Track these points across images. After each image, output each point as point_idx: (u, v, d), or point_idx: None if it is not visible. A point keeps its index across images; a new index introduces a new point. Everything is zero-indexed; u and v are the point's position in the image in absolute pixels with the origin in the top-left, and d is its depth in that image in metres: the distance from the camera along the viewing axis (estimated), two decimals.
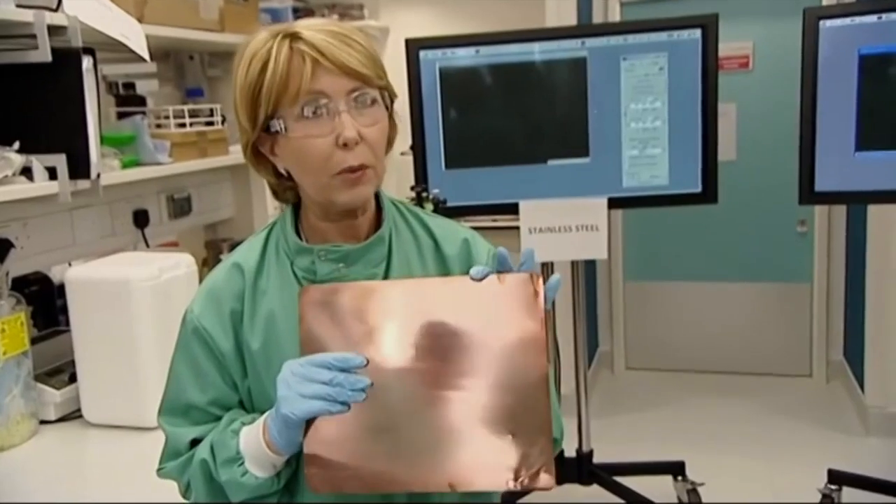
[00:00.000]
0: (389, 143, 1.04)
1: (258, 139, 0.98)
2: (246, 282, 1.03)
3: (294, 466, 0.98)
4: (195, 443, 1.02)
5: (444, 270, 1.06)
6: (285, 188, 1.04)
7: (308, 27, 0.94)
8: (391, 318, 0.92)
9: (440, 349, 0.91)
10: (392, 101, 1.01)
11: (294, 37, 0.93)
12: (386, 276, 1.03)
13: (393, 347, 0.92)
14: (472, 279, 0.91)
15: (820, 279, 3.94)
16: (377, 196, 1.06)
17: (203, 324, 1.02)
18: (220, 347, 1.01)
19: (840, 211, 3.85)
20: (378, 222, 1.05)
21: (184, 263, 1.68)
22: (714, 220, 3.89)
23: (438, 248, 1.07)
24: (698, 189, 2.53)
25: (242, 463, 0.95)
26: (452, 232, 1.09)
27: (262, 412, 1.00)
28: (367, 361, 0.89)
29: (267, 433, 0.93)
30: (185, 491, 1.03)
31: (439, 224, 1.10)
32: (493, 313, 0.91)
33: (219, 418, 1.02)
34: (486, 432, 0.91)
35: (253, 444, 0.95)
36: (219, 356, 1.02)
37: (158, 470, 1.05)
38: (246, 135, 0.99)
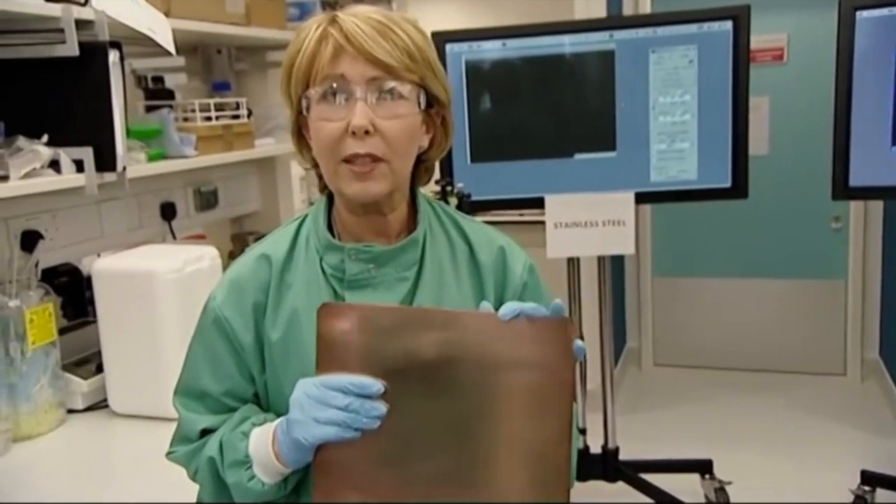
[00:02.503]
0: (433, 146, 1.01)
1: (299, 120, 0.98)
2: (273, 273, 1.01)
3: (302, 472, 0.96)
4: (206, 431, 1.01)
5: (478, 278, 1.03)
6: (319, 175, 1.02)
7: (352, 13, 0.93)
8: (413, 346, 0.87)
9: (461, 385, 0.87)
10: (434, 104, 0.97)
11: (332, 21, 0.93)
12: (417, 281, 1.00)
13: (411, 377, 0.87)
14: (501, 319, 0.86)
15: (855, 276, 3.86)
16: (413, 195, 1.03)
17: (224, 314, 1.00)
18: (240, 339, 1.00)
19: (877, 207, 3.76)
20: (412, 223, 1.02)
21: (208, 256, 1.69)
22: (746, 215, 3.83)
23: (473, 254, 1.04)
24: (728, 184, 2.49)
25: (250, 467, 0.94)
26: (488, 238, 1.06)
27: (276, 408, 1.00)
28: (386, 389, 0.86)
29: (276, 444, 0.92)
30: (194, 475, 1.03)
31: (475, 229, 1.07)
32: (522, 356, 0.86)
33: (232, 409, 1.01)
34: (501, 475, 0.87)
35: (262, 451, 0.93)
36: (238, 348, 1.00)
37: (168, 453, 1.05)
38: (291, 118, 0.99)
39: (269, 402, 1.02)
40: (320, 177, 1.02)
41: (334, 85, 0.92)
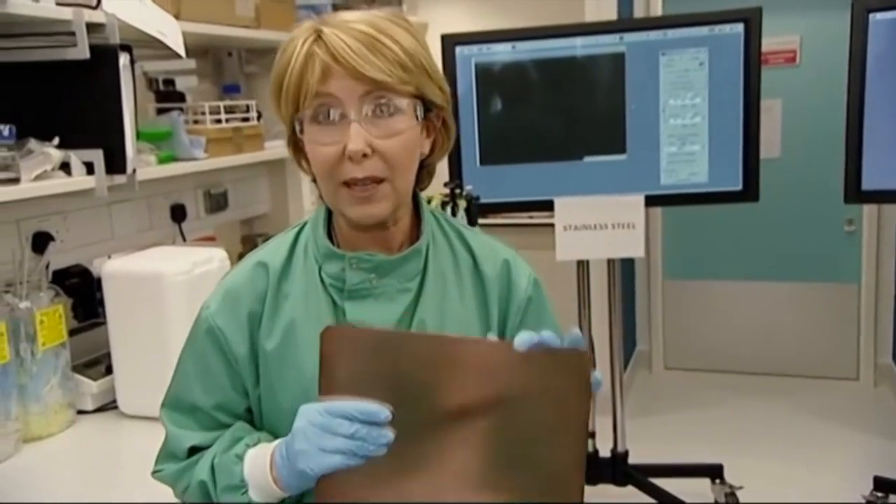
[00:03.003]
0: (435, 150, 0.98)
1: (295, 135, 0.94)
2: (270, 282, 0.97)
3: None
4: (194, 449, 0.97)
5: (482, 290, 1.00)
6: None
7: (338, 24, 0.87)
8: (421, 373, 0.83)
9: (472, 414, 0.83)
10: (432, 108, 0.93)
11: (318, 36, 0.87)
12: (419, 292, 0.97)
13: (420, 404, 0.84)
14: (516, 350, 0.81)
15: (868, 280, 3.82)
16: (416, 205, 1.00)
17: (218, 323, 0.97)
18: (234, 351, 0.96)
19: (890, 210, 3.73)
20: (415, 233, 1.00)
21: (217, 258, 1.70)
22: (757, 217, 3.81)
23: (477, 266, 1.01)
24: (739, 187, 2.48)
25: (246, 491, 0.90)
26: (493, 251, 1.03)
27: (270, 422, 0.97)
28: (393, 416, 0.82)
29: (275, 470, 0.88)
30: (182, 495, 0.99)
31: (480, 241, 1.04)
32: (536, 388, 0.82)
33: (223, 424, 0.98)
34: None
35: (258, 476, 0.90)
36: (231, 360, 0.97)
37: (154, 472, 1.02)
38: (287, 130, 0.96)
39: (262, 417, 0.99)
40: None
41: (326, 105, 0.87)
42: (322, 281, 0.96)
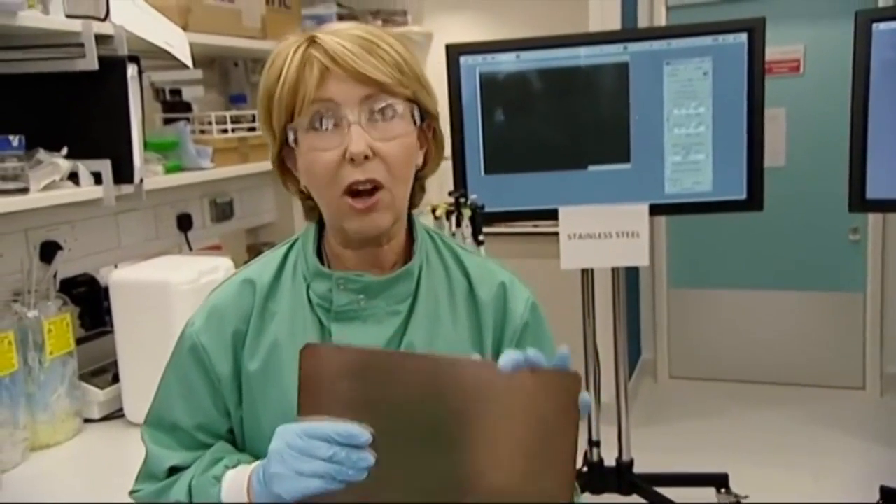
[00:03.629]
0: (427, 162, 0.96)
1: (282, 151, 0.92)
2: (256, 301, 0.94)
3: None
4: (174, 469, 0.95)
5: (476, 316, 0.96)
6: (310, 207, 0.96)
7: (331, 32, 0.86)
8: (403, 394, 0.80)
9: (454, 437, 0.80)
10: (426, 117, 0.92)
11: (312, 42, 0.86)
12: (410, 315, 0.93)
13: (400, 426, 0.80)
14: (500, 370, 0.78)
15: (874, 288, 3.82)
16: (410, 224, 0.97)
17: (202, 342, 0.94)
18: (217, 370, 0.93)
19: (895, 218, 3.73)
20: (408, 253, 0.96)
21: (223, 267, 1.71)
22: (762, 226, 3.81)
23: (472, 290, 0.97)
24: (743, 196, 2.48)
25: None
26: (489, 273, 0.99)
27: (252, 444, 0.95)
28: (373, 438, 0.78)
29: (252, 494, 0.85)
30: None
31: (477, 264, 1.00)
32: (521, 410, 0.79)
33: (204, 444, 0.95)
34: None
35: (235, 498, 0.87)
36: (214, 380, 0.94)
37: (132, 492, 0.98)
38: (272, 149, 0.93)
39: (244, 438, 0.96)
40: (312, 209, 0.96)
41: (324, 110, 0.85)
42: (310, 301, 0.94)
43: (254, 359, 0.93)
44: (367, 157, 0.85)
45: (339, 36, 0.86)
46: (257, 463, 0.87)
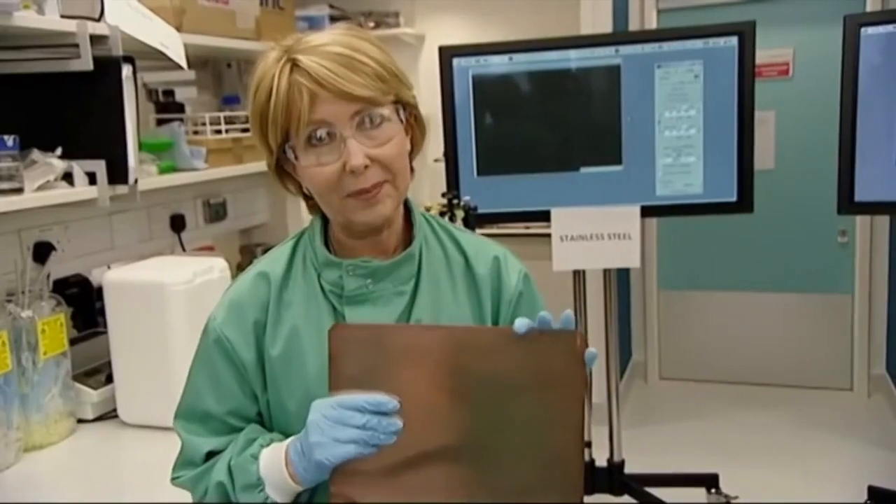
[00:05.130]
0: (414, 146, 1.02)
1: (280, 159, 0.98)
2: (271, 292, 1.01)
3: (314, 486, 0.97)
4: (211, 454, 1.01)
5: (475, 289, 1.04)
6: (312, 205, 1.04)
7: (310, 49, 0.90)
8: (425, 363, 0.89)
9: (474, 398, 0.89)
10: (409, 109, 0.98)
11: (294, 64, 0.90)
12: (414, 294, 1.01)
13: (425, 393, 0.89)
14: (515, 333, 0.87)
15: (861, 290, 3.85)
16: (407, 209, 1.05)
17: (225, 333, 1.01)
18: (242, 358, 1.00)
19: (883, 221, 3.76)
20: (408, 236, 1.04)
21: (217, 268, 1.71)
22: (752, 228, 3.83)
23: (469, 266, 1.05)
24: (733, 198, 2.51)
25: (263, 489, 0.94)
26: (484, 249, 1.07)
27: (279, 425, 1.01)
28: (400, 404, 0.87)
29: (290, 466, 0.92)
30: (201, 498, 1.02)
31: (471, 241, 1.08)
32: (534, 368, 0.88)
33: (236, 429, 1.01)
34: (514, 485, 0.89)
35: (275, 472, 0.94)
36: (240, 367, 1.01)
37: (173, 479, 1.05)
38: (267, 156, 0.99)
39: (271, 419, 1.03)
40: (310, 202, 1.03)
41: (319, 131, 0.91)
42: (322, 288, 1.01)
43: (275, 345, 1.00)
44: (366, 167, 0.92)
45: (318, 55, 0.90)
46: (291, 438, 0.95)
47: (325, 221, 1.04)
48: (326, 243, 1.03)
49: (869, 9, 3.56)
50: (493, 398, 0.89)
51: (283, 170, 1.00)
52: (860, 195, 2.36)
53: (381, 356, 0.90)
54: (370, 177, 0.92)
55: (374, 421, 0.86)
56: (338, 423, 0.87)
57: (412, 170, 1.03)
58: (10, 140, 1.45)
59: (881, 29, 2.30)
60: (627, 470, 2.79)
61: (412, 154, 1.03)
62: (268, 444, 0.96)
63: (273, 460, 0.94)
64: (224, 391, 1.01)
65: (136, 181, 1.66)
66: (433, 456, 0.90)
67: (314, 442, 0.88)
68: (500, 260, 1.06)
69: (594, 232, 2.48)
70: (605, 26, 3.46)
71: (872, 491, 2.68)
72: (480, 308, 1.04)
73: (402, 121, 0.96)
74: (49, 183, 1.54)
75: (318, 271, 1.01)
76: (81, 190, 1.59)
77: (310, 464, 0.90)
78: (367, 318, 0.98)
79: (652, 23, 3.90)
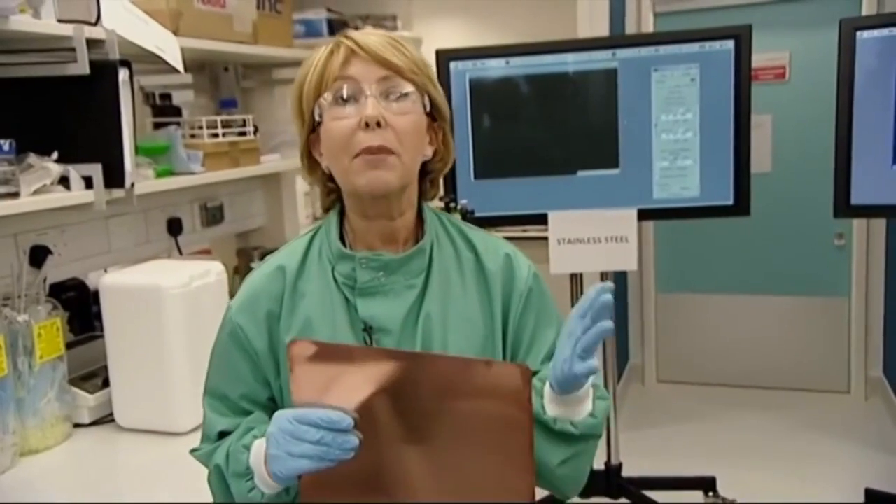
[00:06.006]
0: (436, 155, 1.06)
1: (309, 141, 1.03)
2: (286, 284, 1.05)
3: None
4: (223, 434, 1.06)
5: (485, 285, 1.06)
6: (329, 191, 1.08)
7: (360, 31, 1.00)
8: (379, 384, 0.91)
9: (425, 426, 0.91)
10: (437, 117, 1.03)
11: (343, 36, 1.00)
12: (425, 287, 1.04)
13: (379, 414, 0.91)
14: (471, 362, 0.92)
15: (858, 293, 3.86)
16: (419, 206, 1.07)
17: (239, 322, 1.05)
18: (254, 346, 1.04)
19: (879, 224, 3.77)
20: (419, 232, 1.07)
21: (214, 271, 1.71)
22: (749, 231, 3.84)
23: (479, 261, 1.08)
24: (730, 201, 2.51)
25: (251, 479, 0.97)
26: (494, 247, 1.10)
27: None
28: (357, 420, 0.87)
29: (268, 465, 0.94)
30: (208, 474, 1.07)
31: (481, 238, 1.10)
32: (479, 396, 0.90)
33: (247, 411, 1.06)
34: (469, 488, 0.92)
35: (259, 466, 0.96)
36: (252, 355, 1.05)
37: (192, 450, 1.10)
38: (301, 137, 1.04)
39: (283, 405, 1.06)
40: (331, 192, 1.07)
41: (346, 86, 0.97)
42: (335, 280, 1.04)
43: (289, 334, 1.03)
44: (379, 125, 0.96)
45: (366, 33, 1.00)
46: None
47: (341, 216, 1.08)
48: (342, 238, 1.06)
49: (865, 13, 3.57)
50: (444, 426, 0.91)
51: (312, 158, 1.05)
52: (856, 198, 2.36)
53: (339, 374, 0.91)
54: (380, 137, 0.96)
55: (328, 437, 0.87)
56: (293, 438, 0.88)
57: (434, 185, 1.10)
58: (6, 144, 1.45)
59: (877, 33, 2.31)
60: (625, 473, 2.79)
61: (434, 166, 1.07)
62: (262, 436, 0.98)
63: (258, 454, 0.96)
64: (237, 377, 1.06)
65: (132, 185, 1.65)
66: (391, 474, 0.92)
67: (270, 454, 0.91)
68: (511, 257, 1.09)
69: (591, 235, 2.48)
70: (602, 30, 3.46)
71: (869, 493, 2.69)
72: (490, 303, 1.06)
73: (424, 108, 1.01)
74: (45, 187, 1.53)
75: (333, 264, 1.04)
76: (78, 194, 1.58)
77: (270, 474, 0.93)
78: (378, 309, 1.01)
79: (648, 26, 3.91)
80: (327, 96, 0.98)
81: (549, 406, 0.95)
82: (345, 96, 0.97)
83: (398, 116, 0.97)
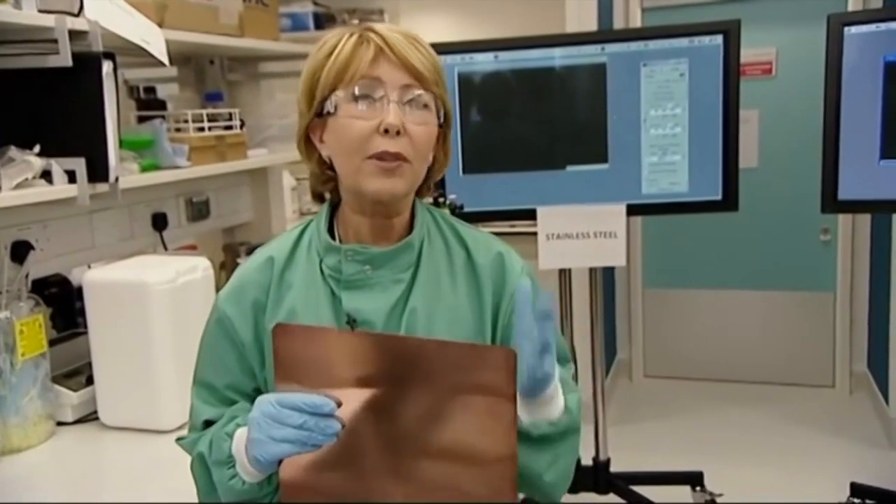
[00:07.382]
0: (436, 162, 1.05)
1: (311, 125, 1.01)
2: (273, 274, 1.05)
3: None
4: (208, 423, 1.06)
5: (475, 280, 1.06)
6: (325, 180, 1.06)
7: (382, 25, 0.99)
8: (363, 369, 0.90)
9: (409, 409, 0.90)
10: (446, 117, 1.02)
11: (368, 29, 0.98)
12: (412, 282, 1.03)
13: (362, 398, 0.90)
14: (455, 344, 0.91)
15: (843, 288, 3.88)
16: (412, 202, 1.07)
17: (226, 311, 1.05)
18: (240, 336, 1.04)
19: (864, 219, 3.80)
20: (411, 228, 1.06)
21: (200, 267, 1.69)
22: (735, 227, 3.85)
23: (470, 257, 1.08)
24: (718, 196, 2.51)
25: (232, 466, 0.98)
26: (486, 244, 1.10)
27: None
28: (339, 404, 0.87)
29: (248, 452, 0.94)
30: (191, 462, 1.06)
31: (474, 236, 1.11)
32: (464, 382, 0.88)
33: (232, 401, 1.06)
34: (450, 491, 0.91)
35: (240, 454, 0.96)
36: (238, 345, 1.05)
37: (177, 439, 1.10)
38: (302, 119, 1.02)
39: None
40: (329, 180, 1.05)
41: (370, 86, 0.96)
42: (322, 272, 1.04)
43: (273, 324, 1.00)
44: (398, 133, 0.96)
45: (389, 28, 0.99)
46: None
47: (332, 210, 1.08)
48: (333, 231, 1.06)
49: (851, 8, 3.59)
50: (429, 409, 0.90)
51: (309, 140, 1.03)
52: (843, 193, 2.37)
53: (322, 359, 0.91)
54: (398, 144, 0.95)
55: (311, 422, 0.87)
56: (275, 422, 0.88)
57: (429, 187, 1.10)
58: None
59: (864, 28, 2.31)
60: (613, 468, 2.79)
61: (431, 170, 1.06)
62: (244, 425, 0.98)
63: (240, 442, 0.96)
64: (223, 366, 1.06)
65: (116, 179, 1.62)
66: (372, 455, 0.92)
67: (252, 438, 0.91)
68: (504, 254, 1.09)
69: (580, 230, 2.48)
70: (591, 24, 3.46)
71: (855, 487, 2.70)
72: (480, 300, 1.06)
73: (439, 118, 1.00)
74: (27, 181, 1.50)
75: (321, 256, 1.04)
76: (61, 188, 1.55)
77: (250, 457, 0.93)
78: (364, 303, 1.01)
79: (636, 21, 3.91)
80: (348, 91, 0.96)
81: (522, 414, 0.94)
82: (366, 96, 0.96)
83: (416, 126, 0.97)
